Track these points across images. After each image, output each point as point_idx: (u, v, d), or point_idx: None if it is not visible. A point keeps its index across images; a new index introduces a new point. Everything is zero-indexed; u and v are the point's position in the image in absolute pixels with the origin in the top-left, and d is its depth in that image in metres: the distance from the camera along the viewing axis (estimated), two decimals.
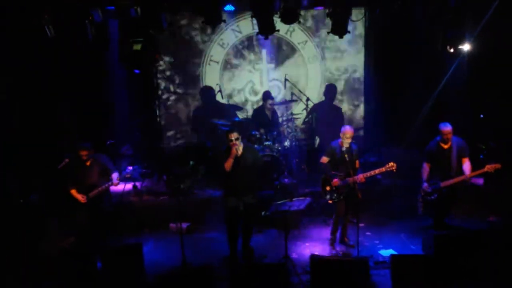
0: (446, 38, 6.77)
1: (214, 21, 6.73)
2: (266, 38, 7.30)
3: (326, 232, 7.70)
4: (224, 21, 7.17)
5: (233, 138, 6.78)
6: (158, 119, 10.46)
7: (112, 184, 7.29)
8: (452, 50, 6.84)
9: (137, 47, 6.30)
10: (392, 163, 6.80)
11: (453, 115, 9.33)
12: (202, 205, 8.67)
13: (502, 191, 8.22)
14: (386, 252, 7.07)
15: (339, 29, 6.99)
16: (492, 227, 7.80)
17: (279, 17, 7.16)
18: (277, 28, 7.29)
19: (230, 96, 10.54)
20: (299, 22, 7.61)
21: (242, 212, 6.90)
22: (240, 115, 10.39)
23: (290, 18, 6.96)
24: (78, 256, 6.45)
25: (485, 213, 8.34)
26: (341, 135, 7.03)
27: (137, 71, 6.65)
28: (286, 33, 10.35)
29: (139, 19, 6.51)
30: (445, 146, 7.05)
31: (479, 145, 9.39)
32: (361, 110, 10.87)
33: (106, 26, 6.73)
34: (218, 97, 10.21)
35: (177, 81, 10.42)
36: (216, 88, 10.24)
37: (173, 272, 6.18)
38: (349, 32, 7.29)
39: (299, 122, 10.24)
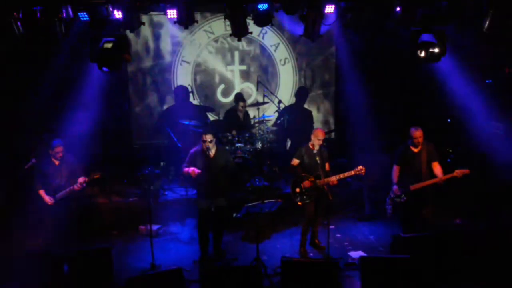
0: (417, 43, 6.86)
1: (187, 22, 6.65)
2: (239, 40, 7.28)
3: (297, 234, 7.73)
4: (197, 21, 7.11)
5: (207, 140, 6.77)
6: (129, 118, 10.31)
7: (75, 188, 7.10)
8: (423, 55, 6.94)
9: (108, 45, 6.19)
10: (361, 166, 6.88)
11: (423, 120, 9.59)
12: (173, 207, 8.58)
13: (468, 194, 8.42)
14: (356, 254, 7.14)
15: (312, 33, 7.02)
16: (458, 230, 7.97)
17: (252, 19, 7.15)
18: (250, 30, 7.27)
19: (202, 97, 10.48)
20: (272, 25, 7.63)
21: (213, 214, 6.87)
22: (212, 116, 10.35)
23: (263, 20, 6.96)
24: (44, 258, 6.28)
25: (452, 216, 8.54)
26: (312, 137, 7.08)
27: (106, 69, 6.53)
28: (259, 35, 10.37)
29: (111, 18, 6.41)
30: (416, 150, 7.16)
31: (447, 150, 9.60)
32: (333, 113, 10.96)
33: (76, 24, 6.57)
34: (190, 98, 10.15)
35: (148, 81, 10.28)
36: (188, 89, 10.18)
37: (142, 275, 6.10)
38: (321, 36, 7.33)
39: (270, 124, 10.27)
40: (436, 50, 6.79)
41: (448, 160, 9.47)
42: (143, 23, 7.22)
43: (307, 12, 6.69)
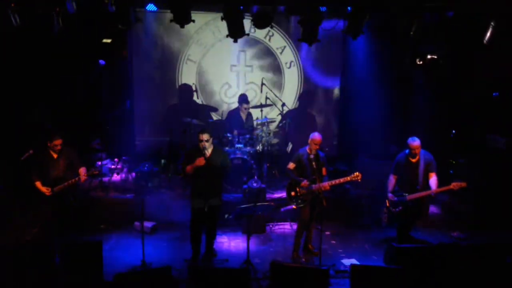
0: (415, 51, 6.82)
1: (182, 20, 6.62)
2: (235, 41, 7.22)
3: (291, 238, 7.69)
4: (193, 21, 7.08)
5: (203, 139, 6.75)
6: (132, 115, 10.33)
7: (78, 180, 7.13)
8: (421, 63, 6.90)
9: (107, 40, 6.19)
10: (357, 173, 6.83)
11: (425, 129, 9.53)
12: (168, 205, 8.57)
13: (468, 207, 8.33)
14: (348, 262, 7.08)
15: (309, 37, 6.97)
16: (454, 243, 7.87)
17: (252, 21, 7.12)
18: (247, 32, 7.22)
19: (205, 96, 10.48)
20: (272, 27, 7.56)
21: (206, 214, 6.86)
22: (215, 116, 10.34)
23: (263, 22, 6.92)
24: (36, 249, 6.30)
25: (449, 228, 8.45)
26: (309, 141, 7.05)
27: (102, 62, 6.53)
28: (265, 37, 10.35)
29: (109, 14, 6.40)
30: (413, 160, 7.10)
31: (449, 161, 9.51)
32: (336, 119, 10.90)
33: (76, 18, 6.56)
34: (194, 97, 10.15)
35: (153, 78, 10.28)
36: (192, 88, 10.18)
37: (130, 271, 6.09)
38: (319, 41, 7.27)
39: (273, 127, 10.24)
40: (435, 57, 6.72)
41: (451, 171, 9.39)
42: (140, 20, 7.13)
43: (304, 15, 6.64)
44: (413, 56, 6.80)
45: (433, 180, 7.02)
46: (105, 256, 6.41)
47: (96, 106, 9.71)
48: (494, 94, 9.19)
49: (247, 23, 7.50)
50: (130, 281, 5.66)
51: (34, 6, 5.91)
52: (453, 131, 9.96)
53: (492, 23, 6.07)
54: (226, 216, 6.46)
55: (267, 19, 6.83)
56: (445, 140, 9.71)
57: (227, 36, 7.06)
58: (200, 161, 6.66)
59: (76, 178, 7.09)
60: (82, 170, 7.18)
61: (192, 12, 7.21)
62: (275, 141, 9.75)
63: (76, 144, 7.65)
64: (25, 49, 7.55)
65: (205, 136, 6.78)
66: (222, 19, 6.85)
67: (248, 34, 7.28)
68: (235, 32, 6.77)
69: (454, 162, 9.56)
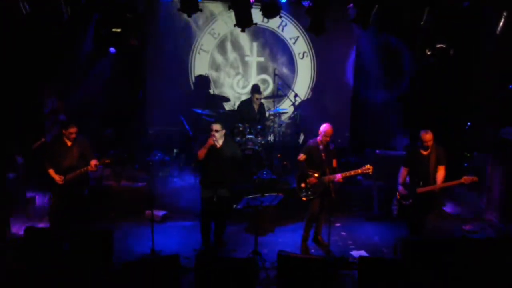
0: (425, 41, 6.70)
1: (189, 10, 6.58)
2: (243, 30, 7.16)
3: (301, 229, 7.67)
4: (201, 10, 7.03)
5: (214, 129, 6.76)
6: (144, 104, 10.38)
7: (89, 169, 7.18)
8: (429, 53, 6.78)
9: (116, 29, 6.20)
10: (368, 165, 6.79)
11: (440, 123, 9.41)
12: (179, 194, 8.62)
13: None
14: (357, 254, 7.05)
15: (317, 27, 6.88)
16: (465, 236, 7.80)
17: (260, 10, 7.06)
18: (259, 22, 7.15)
19: (218, 86, 10.47)
20: (281, 17, 7.43)
21: (215, 204, 6.88)
22: (227, 106, 10.33)
23: (271, 11, 6.86)
24: (45, 236, 6.38)
25: (461, 221, 8.37)
26: (320, 133, 7.00)
27: (113, 50, 6.54)
28: (278, 27, 10.29)
29: (118, 2, 6.41)
30: (425, 153, 7.01)
31: (464, 154, 9.39)
32: (348, 110, 10.82)
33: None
34: (206, 87, 10.14)
35: (165, 67, 10.27)
36: (208, 78, 10.19)
37: (139, 259, 6.14)
38: (326, 31, 7.17)
39: (285, 117, 10.20)
40: (444, 46, 6.59)
41: (466, 164, 9.27)
42: (148, 9, 7.03)
43: (310, 5, 6.56)
44: (423, 47, 6.67)
45: (440, 173, 6.92)
46: (115, 244, 6.49)
47: (108, 96, 9.73)
48: (510, 86, 9.02)
49: (258, 13, 7.47)
50: (138, 269, 5.72)
51: None
52: (468, 124, 9.82)
53: (504, 14, 5.94)
54: (234, 206, 6.45)
55: (276, 8, 6.76)
56: (460, 133, 9.56)
57: (234, 25, 7.02)
58: (209, 142, 6.69)
59: (86, 168, 7.12)
60: (93, 161, 7.22)
61: (204, 1, 7.18)
62: (286, 131, 9.69)
63: (88, 134, 7.70)
64: (34, 38, 7.57)
65: (216, 127, 6.79)
66: (229, 8, 6.81)
67: (256, 24, 7.20)
68: (243, 21, 6.70)
69: (468, 155, 9.44)
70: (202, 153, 6.77)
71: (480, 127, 9.06)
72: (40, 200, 8.30)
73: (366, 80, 10.35)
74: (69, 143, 7.21)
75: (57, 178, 7.14)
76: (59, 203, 7.22)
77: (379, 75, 10.02)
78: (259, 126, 9.14)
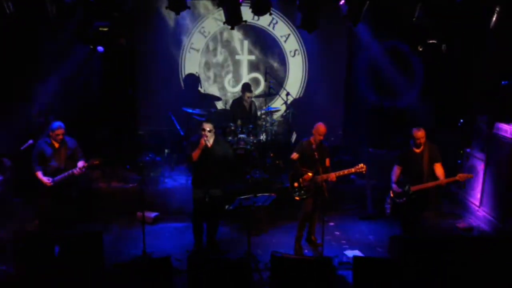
0: (417, 37, 6.66)
1: (177, 7, 6.48)
2: (232, 28, 7.06)
3: (294, 229, 7.60)
4: (189, 7, 6.93)
5: (206, 129, 6.68)
6: (134, 104, 10.24)
7: (75, 172, 7.03)
8: (421, 49, 6.74)
9: (104, 28, 6.08)
10: (362, 164, 6.75)
11: (432, 119, 9.38)
12: (171, 195, 8.52)
13: None
14: (352, 253, 6.99)
15: (309, 24, 6.80)
16: (460, 235, 7.77)
17: (250, 7, 6.96)
18: (250, 20, 7.06)
19: (208, 85, 10.36)
20: (271, 14, 7.34)
21: (208, 204, 6.79)
22: (218, 105, 10.23)
23: (261, 9, 6.76)
24: (36, 240, 6.26)
25: (455, 219, 8.34)
26: (313, 132, 6.94)
27: (101, 49, 6.42)
28: (269, 25, 10.20)
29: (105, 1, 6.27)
30: (418, 151, 6.96)
31: (459, 151, 9.35)
32: (341, 109, 10.75)
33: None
34: (197, 86, 10.04)
35: (155, 67, 10.14)
36: (198, 77, 10.07)
37: (129, 261, 6.05)
38: (317, 28, 7.09)
39: (277, 116, 10.11)
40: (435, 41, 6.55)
41: (459, 161, 9.24)
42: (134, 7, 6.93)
43: (301, 1, 6.48)
44: (415, 42, 6.62)
45: (439, 170, 6.87)
46: (107, 246, 6.40)
47: (97, 95, 9.59)
48: (503, 82, 9.00)
49: (248, 10, 7.37)
50: (129, 271, 5.63)
51: None
52: (461, 120, 9.79)
53: (497, 9, 5.89)
54: (226, 207, 6.37)
55: (266, 5, 6.67)
56: (453, 130, 9.53)
57: (224, 23, 6.91)
58: (201, 142, 6.62)
59: (72, 171, 6.94)
60: (80, 163, 7.07)
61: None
62: (278, 130, 9.60)
63: (78, 135, 7.57)
64: (19, 38, 7.44)
65: (207, 126, 6.73)
66: (218, 5, 6.72)
67: (246, 21, 7.12)
68: (232, 18, 6.61)
69: (462, 152, 9.40)
70: (196, 154, 6.69)
71: (474, 124, 9.01)
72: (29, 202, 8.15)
73: (359, 77, 10.27)
74: (56, 145, 7.08)
75: (45, 180, 7.00)
76: (48, 205, 7.10)
77: (372, 72, 9.96)
78: (251, 126, 9.05)
